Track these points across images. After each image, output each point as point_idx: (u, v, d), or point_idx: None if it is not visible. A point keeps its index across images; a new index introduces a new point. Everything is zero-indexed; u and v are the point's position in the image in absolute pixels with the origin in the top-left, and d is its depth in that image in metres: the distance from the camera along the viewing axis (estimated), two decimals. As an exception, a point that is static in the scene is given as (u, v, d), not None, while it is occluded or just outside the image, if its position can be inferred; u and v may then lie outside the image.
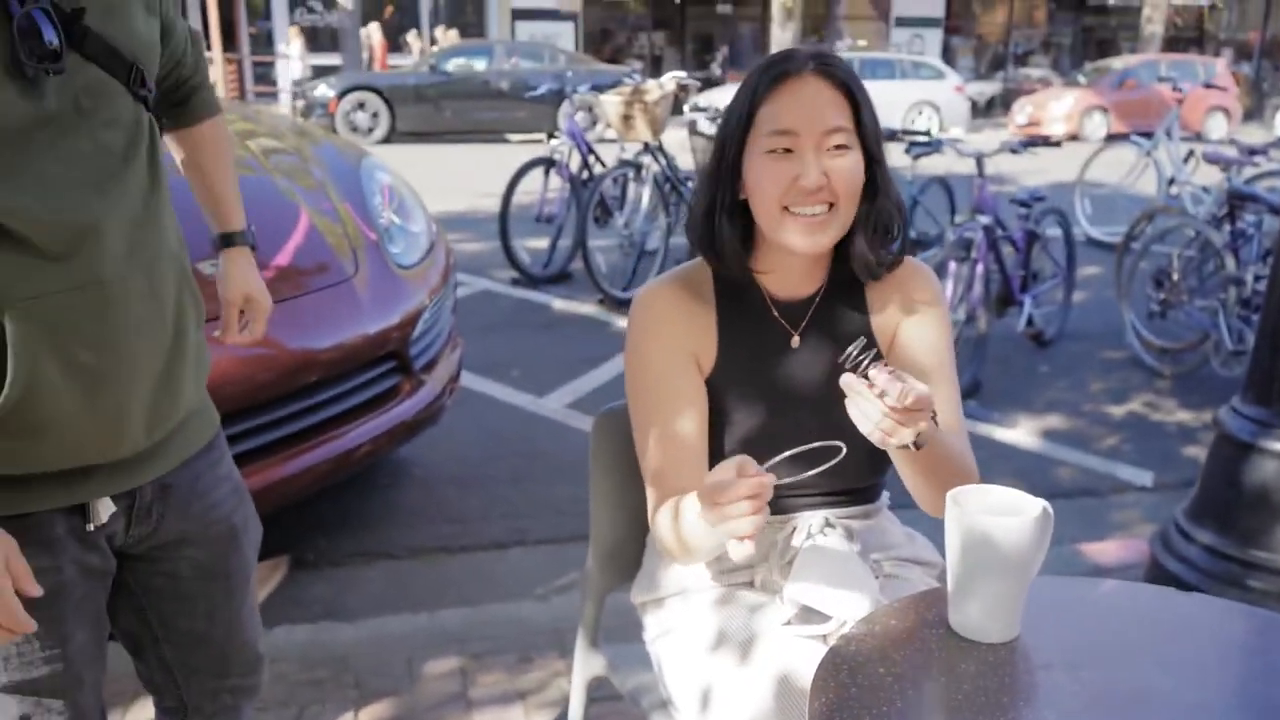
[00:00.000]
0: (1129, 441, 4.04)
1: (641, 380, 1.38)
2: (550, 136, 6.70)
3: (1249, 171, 5.67)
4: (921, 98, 17.23)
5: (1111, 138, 14.88)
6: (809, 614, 1.24)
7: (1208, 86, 10.34)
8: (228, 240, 1.48)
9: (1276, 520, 2.41)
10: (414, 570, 2.95)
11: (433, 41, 19.38)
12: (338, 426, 2.59)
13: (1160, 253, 5.04)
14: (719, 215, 1.32)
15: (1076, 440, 4.05)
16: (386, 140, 14.43)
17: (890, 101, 16.73)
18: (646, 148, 5.72)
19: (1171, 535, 2.62)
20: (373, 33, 18.27)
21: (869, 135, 1.30)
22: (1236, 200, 4.55)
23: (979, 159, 4.63)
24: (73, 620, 1.17)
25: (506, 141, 15.02)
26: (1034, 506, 1.03)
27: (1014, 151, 4.66)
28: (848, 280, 1.39)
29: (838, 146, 1.26)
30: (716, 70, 23.77)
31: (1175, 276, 4.83)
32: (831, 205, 1.27)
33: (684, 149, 6.59)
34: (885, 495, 1.51)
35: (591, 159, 6.40)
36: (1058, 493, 3.58)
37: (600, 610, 1.59)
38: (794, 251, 1.31)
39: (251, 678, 1.43)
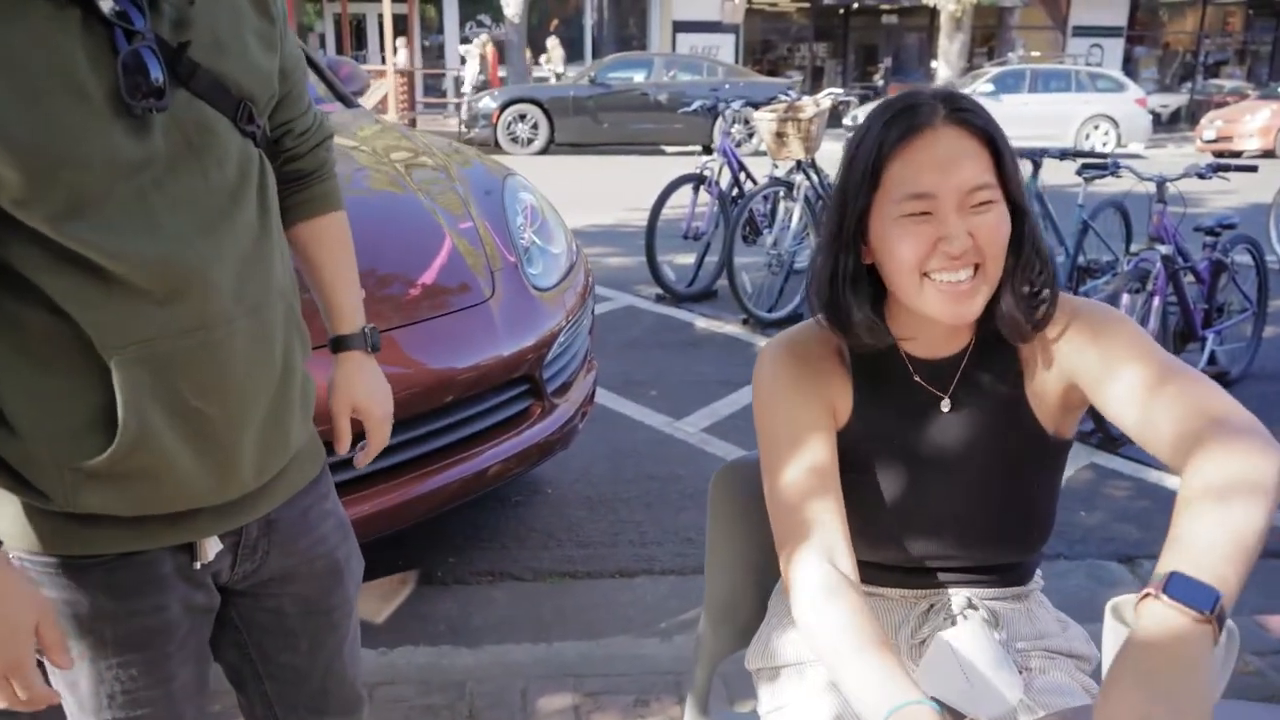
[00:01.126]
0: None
1: (772, 439, 1.24)
2: (706, 150, 6.64)
3: None
4: (1099, 111, 16.34)
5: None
6: (949, 713, 1.11)
7: None
8: (341, 344, 1.37)
9: None
10: (538, 593, 2.93)
11: (536, 56, 19.58)
12: (470, 447, 2.59)
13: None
14: (843, 286, 1.20)
15: (1262, 493, 3.67)
16: (545, 151, 14.74)
17: (1064, 115, 15.97)
18: (799, 165, 5.57)
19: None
20: (486, 44, 18.61)
21: (1012, 183, 1.16)
22: None
23: (1160, 182, 4.28)
24: (177, 659, 1.16)
25: (662, 153, 15.11)
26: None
27: (1201, 176, 4.28)
28: (994, 335, 1.24)
29: (982, 203, 1.13)
30: (880, 82, 23.27)
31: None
32: (978, 267, 1.14)
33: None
34: (1039, 576, 1.35)
35: (743, 176, 6.31)
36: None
37: (711, 675, 1.50)
38: (938, 321, 1.18)
39: (351, 716, 1.41)
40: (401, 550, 3.04)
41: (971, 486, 1.23)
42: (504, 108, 14.82)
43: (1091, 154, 5.09)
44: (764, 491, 1.25)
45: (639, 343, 5.38)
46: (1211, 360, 4.66)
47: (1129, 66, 22.51)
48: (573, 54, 21.64)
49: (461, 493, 2.60)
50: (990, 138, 1.15)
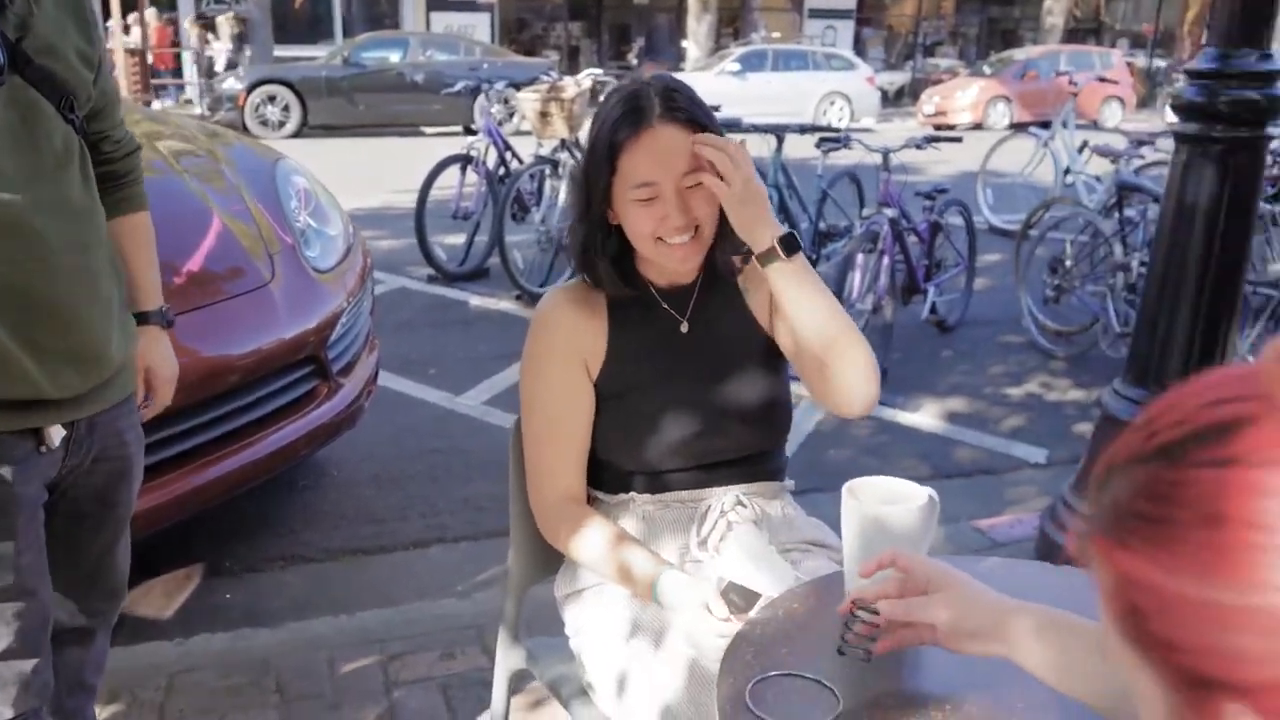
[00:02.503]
0: (1025, 421, 4.24)
1: (533, 384, 1.53)
2: (468, 130, 6.69)
3: (1136, 162, 5.94)
4: (834, 88, 17.54)
5: (1015, 126, 15.33)
6: (737, 590, 1.32)
7: (1101, 80, 10.75)
8: (142, 319, 1.60)
9: (1153, 495, 2.58)
10: (333, 572, 2.97)
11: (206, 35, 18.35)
12: (256, 431, 2.60)
13: (1056, 240, 5.28)
14: (594, 252, 1.47)
15: (976, 421, 4.23)
16: (298, 134, 14.16)
17: (804, 92, 17.02)
18: (563, 144, 5.76)
19: (1059, 510, 2.79)
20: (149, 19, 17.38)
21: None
22: (1124, 190, 4.79)
23: (885, 153, 4.79)
24: (22, 536, 1.34)
25: (422, 135, 14.88)
26: (921, 495, 1.13)
27: (919, 147, 4.83)
28: (719, 265, 1.54)
29: (696, 184, 1.39)
30: (633, 61, 23.85)
31: (1068, 263, 5.07)
32: (697, 228, 1.42)
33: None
34: (789, 481, 1.61)
35: (508, 155, 6.42)
36: (958, 472, 3.76)
37: (521, 605, 1.65)
38: (668, 267, 1.48)
39: (109, 603, 1.62)
40: (188, 542, 2.99)
41: (720, 389, 1.50)
42: (251, 89, 14.11)
43: (828, 129, 5.58)
44: (522, 431, 1.55)
45: (414, 323, 5.41)
46: (933, 310, 5.26)
47: (859, 47, 24.23)
48: (321, 32, 20.83)
49: (251, 477, 2.61)
50: (698, 123, 1.40)
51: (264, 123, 14.05)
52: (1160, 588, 0.47)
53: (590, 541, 1.45)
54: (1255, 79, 2.41)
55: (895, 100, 22.67)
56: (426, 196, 5.84)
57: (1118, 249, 4.71)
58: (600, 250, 1.47)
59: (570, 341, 1.51)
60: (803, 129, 5.57)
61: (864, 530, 1.12)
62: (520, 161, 6.31)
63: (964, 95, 18.18)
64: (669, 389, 1.50)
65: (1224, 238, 2.48)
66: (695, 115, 1.41)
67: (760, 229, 1.38)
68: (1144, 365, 2.64)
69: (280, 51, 17.69)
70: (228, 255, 2.63)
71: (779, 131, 5.51)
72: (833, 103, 17.42)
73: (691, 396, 1.50)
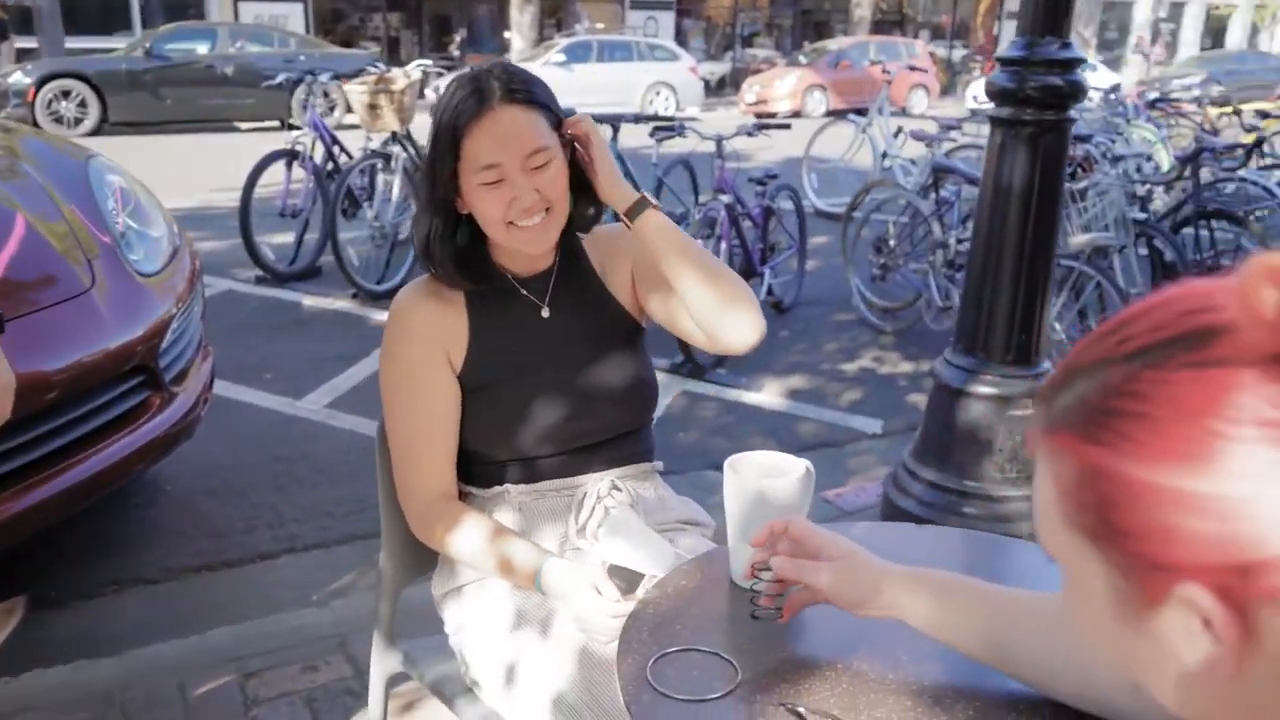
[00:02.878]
0: (861, 395, 4.45)
1: (395, 381, 1.49)
2: (285, 125, 6.41)
3: (947, 145, 6.31)
4: (658, 79, 17.81)
5: (831, 114, 15.95)
6: (620, 573, 1.33)
7: (911, 69, 11.34)
8: None
9: (985, 455, 2.76)
10: (176, 592, 2.81)
11: None
12: (84, 449, 2.43)
13: (879, 221, 5.54)
14: (434, 243, 1.45)
15: (815, 397, 4.41)
16: (97, 131, 13.22)
17: (629, 83, 17.20)
18: (395, 137, 5.61)
19: (900, 475, 2.94)
20: None
21: (561, 129, 1.45)
22: (939, 172, 5.08)
23: (718, 141, 4.90)
24: None
25: (236, 130, 14.18)
26: (798, 467, 1.17)
27: (750, 134, 4.96)
28: (574, 249, 1.56)
29: (542, 165, 1.40)
30: (455, 53, 23.45)
31: (892, 243, 5.34)
32: (548, 209, 1.42)
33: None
34: (658, 462, 1.63)
35: (336, 150, 6.21)
36: (801, 446, 3.90)
37: (395, 606, 1.61)
38: (524, 250, 1.47)
39: None
40: (9, 572, 2.77)
41: (586, 371, 1.51)
42: (41, 84, 13.06)
43: (662, 118, 5.67)
44: (386, 428, 1.51)
45: (246, 326, 5.17)
46: (770, 292, 5.43)
47: (680, 38, 24.65)
48: (116, 23, 19.50)
49: (81, 498, 2.44)
50: (542, 105, 1.41)
51: (58, 120, 13.04)
52: (1132, 479, 0.51)
53: (468, 538, 1.43)
54: (1058, 65, 2.60)
55: (717, 90, 23.22)
56: (251, 194, 5.58)
57: (936, 228, 4.99)
58: (447, 241, 1.46)
59: (430, 336, 1.48)
60: (638, 118, 5.64)
61: (747, 503, 1.15)
62: (349, 156, 6.11)
63: (783, 84, 18.80)
64: (535, 376, 1.49)
65: (1037, 213, 2.67)
66: (536, 96, 1.41)
67: (624, 187, 1.44)
68: (971, 335, 2.81)
69: (72, 43, 16.46)
70: (39, 260, 2.44)
71: (614, 121, 5.56)
72: (658, 93, 17.68)
73: (558, 381, 1.50)
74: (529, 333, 1.51)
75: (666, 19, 25.26)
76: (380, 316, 5.37)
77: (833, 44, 21.16)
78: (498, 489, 1.52)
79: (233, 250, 6.06)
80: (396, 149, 5.60)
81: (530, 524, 1.50)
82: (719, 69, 24.88)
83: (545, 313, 1.53)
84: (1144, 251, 5.01)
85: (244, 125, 14.39)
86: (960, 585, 0.99)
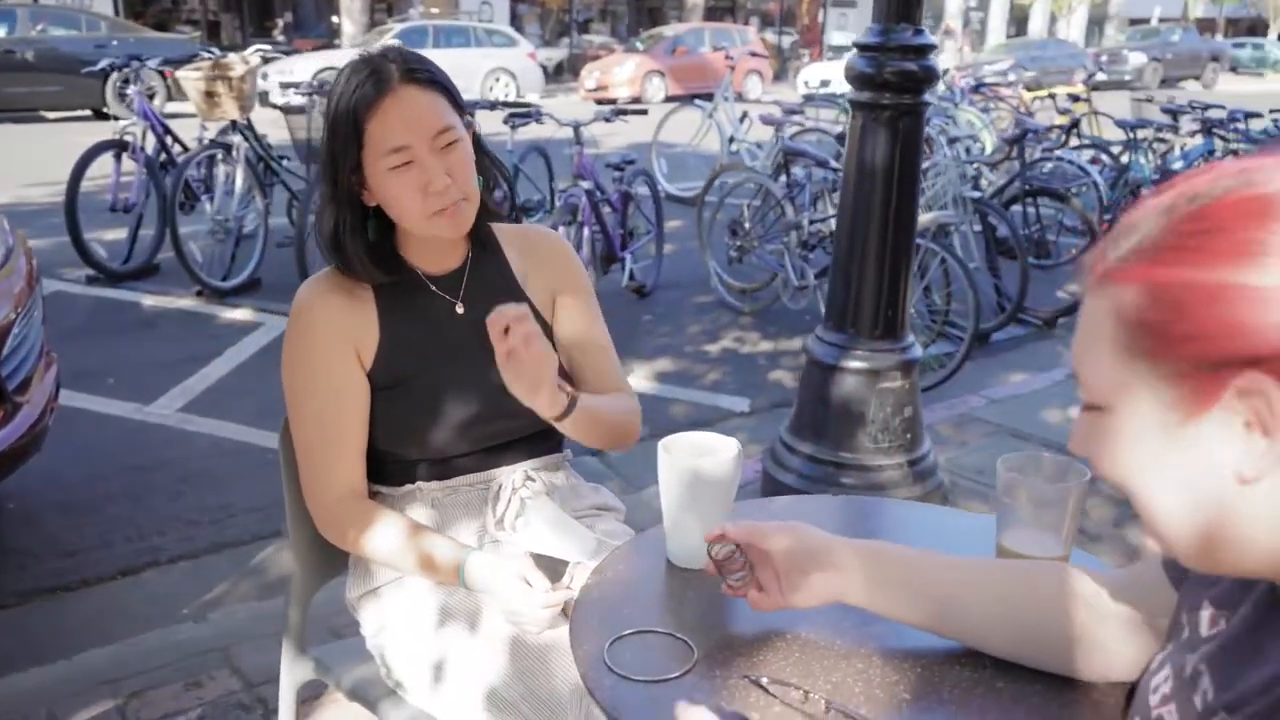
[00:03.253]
0: (725, 375, 4.56)
1: (301, 379, 1.44)
2: (99, 114, 6.01)
3: (792, 129, 6.51)
4: (497, 65, 17.59)
5: (671, 99, 16.14)
6: (544, 562, 1.33)
7: (753, 55, 11.59)
8: None
9: (859, 426, 2.88)
10: (31, 617, 2.62)
11: None
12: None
13: (733, 205, 5.67)
14: (344, 237, 1.40)
15: (682, 379, 4.48)
16: (-122, 122, 12.03)
17: (468, 69, 16.89)
18: (234, 126, 5.34)
19: (778, 450, 3.03)
20: None
21: (464, 117, 1.42)
22: (789, 155, 5.23)
23: (576, 127, 4.89)
24: None
25: (44, 120, 13.18)
26: (729, 445, 1.20)
27: (608, 120, 4.98)
28: (487, 244, 1.53)
29: (450, 144, 1.36)
30: (280, 37, 22.47)
31: (746, 225, 5.47)
32: (460, 194, 1.38)
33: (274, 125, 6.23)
34: (567, 451, 1.63)
35: (169, 140, 5.85)
36: (673, 427, 3.93)
37: (306, 612, 1.56)
38: (442, 235, 1.42)
39: None
40: None
41: (496, 375, 1.45)
42: None
43: (517, 104, 5.61)
44: (291, 427, 1.46)
45: (81, 330, 4.83)
46: (631, 277, 5.48)
47: (515, 23, 24.41)
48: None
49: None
50: (443, 86, 1.37)
51: None
52: (1199, 282, 0.59)
53: (384, 537, 1.40)
54: (912, 52, 2.72)
55: (556, 76, 23.13)
56: (77, 188, 5.19)
57: (789, 210, 5.14)
58: (358, 234, 1.41)
59: (338, 332, 1.43)
60: (493, 105, 5.57)
61: (683, 482, 1.17)
62: (184, 146, 5.78)
63: (621, 70, 18.90)
64: (450, 373, 1.45)
65: (898, 192, 2.80)
66: (436, 76, 1.38)
67: (558, 395, 1.27)
68: (841, 311, 2.93)
69: None
70: None
71: (468, 108, 5.45)
72: (498, 79, 17.47)
73: (473, 379, 1.46)
74: (443, 329, 1.47)
75: (501, 4, 24.96)
76: (230, 314, 5.12)
77: (669, 30, 21.41)
78: (409, 486, 1.48)
79: (58, 249, 5.63)
80: (237, 138, 5.33)
81: (445, 519, 1.48)
82: (556, 55, 24.79)
83: (460, 309, 1.49)
84: (978, 228, 5.31)
85: (52, 115, 13.38)
86: (897, 558, 1.03)
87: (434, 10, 22.12)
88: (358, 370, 1.43)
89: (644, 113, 5.02)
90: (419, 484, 1.48)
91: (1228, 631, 0.71)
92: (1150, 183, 6.74)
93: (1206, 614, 0.76)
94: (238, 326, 4.97)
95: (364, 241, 1.42)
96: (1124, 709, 0.92)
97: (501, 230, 1.56)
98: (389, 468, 1.48)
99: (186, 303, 5.28)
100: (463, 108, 1.42)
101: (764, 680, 0.97)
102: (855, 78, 2.79)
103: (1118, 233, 0.65)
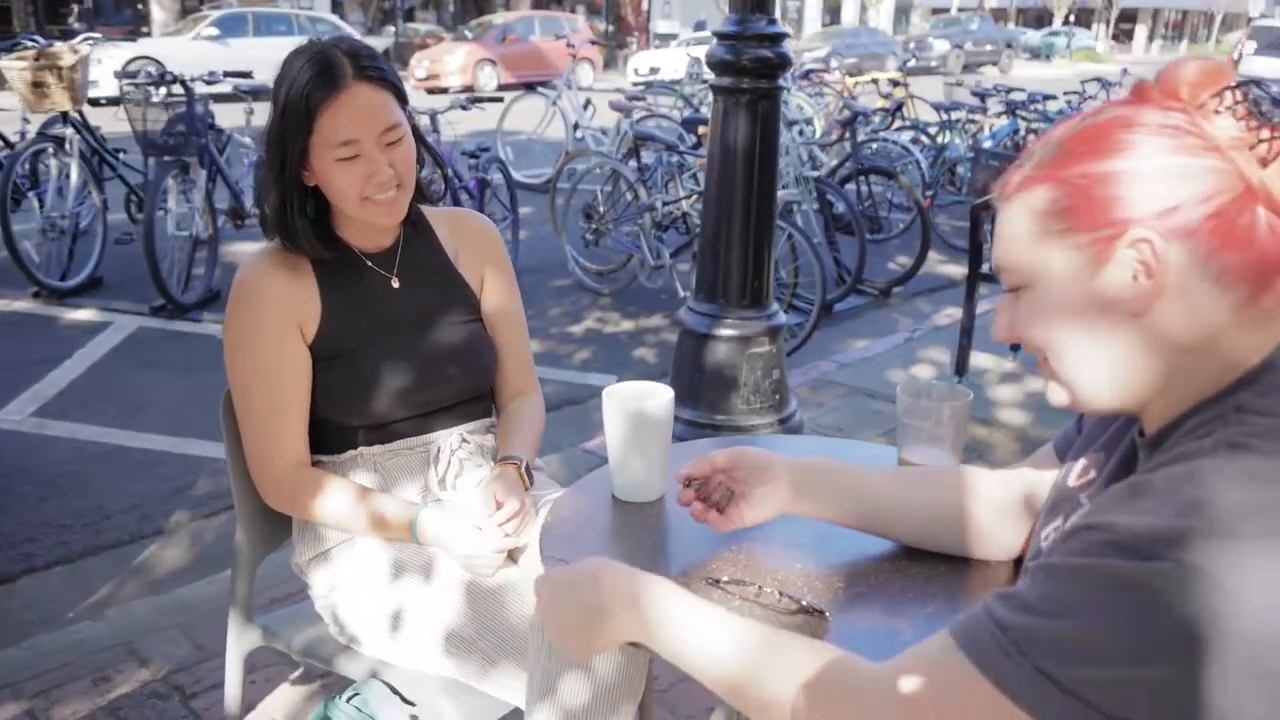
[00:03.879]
0: (591, 353, 4.71)
1: (247, 357, 1.50)
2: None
3: (638, 114, 6.70)
4: (323, 53, 17.02)
5: (504, 88, 16.13)
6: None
7: (592, 43, 11.73)
8: None
9: (732, 390, 3.09)
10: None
11: None
12: None
13: (586, 190, 5.81)
14: (292, 216, 1.48)
15: (551, 359, 4.61)
16: None
17: (292, 57, 16.33)
18: (65, 117, 5.07)
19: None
20: None
21: (405, 106, 1.52)
22: (640, 140, 5.41)
23: (433, 115, 4.92)
24: None
25: None
26: (663, 391, 1.35)
27: (464, 108, 5.03)
28: (418, 224, 1.63)
29: (395, 140, 1.46)
30: (75, 25, 21.01)
31: (601, 209, 5.63)
32: (399, 185, 1.48)
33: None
34: (495, 411, 1.74)
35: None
36: (549, 407, 4.07)
37: (251, 581, 1.61)
38: (377, 223, 1.53)
39: None
40: None
41: (434, 340, 1.59)
42: None
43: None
44: (235, 405, 1.53)
45: (-97, 339, 4.53)
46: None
47: (337, 10, 23.70)
48: None
49: None
50: (392, 84, 1.46)
51: None
52: (1089, 174, 0.80)
53: (334, 501, 1.48)
54: (767, 39, 2.94)
55: (383, 64, 22.57)
56: (-117, 188, 4.83)
57: (642, 192, 5.33)
58: (302, 213, 1.49)
59: (282, 308, 1.49)
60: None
61: (628, 423, 1.31)
62: (5, 140, 5.44)
63: (452, 59, 18.70)
64: (387, 343, 1.54)
65: (760, 170, 3.01)
66: (387, 75, 1.46)
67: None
68: (711, 284, 3.13)
69: None
70: None
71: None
72: (324, 68, 16.93)
73: (409, 349, 1.56)
74: (380, 303, 1.56)
75: (321, -9, 24.15)
76: (74, 315, 4.90)
77: (498, 18, 21.32)
78: (351, 452, 1.56)
79: None
80: (69, 131, 5.07)
81: (388, 481, 1.56)
82: (381, 43, 24.17)
83: (395, 283, 1.58)
84: (817, 206, 5.65)
85: None
86: (831, 469, 1.20)
87: (251, -4, 21.18)
88: (300, 344, 1.51)
89: (499, 100, 5.10)
90: (360, 449, 1.56)
91: (1100, 478, 0.92)
92: (965, 160, 7.31)
93: (1078, 467, 0.98)
94: (84, 327, 4.76)
95: (309, 219, 1.49)
96: (1013, 576, 1.13)
97: (430, 213, 1.66)
98: (331, 435, 1.56)
99: (23, 305, 5.00)
100: (406, 101, 1.51)
101: (723, 580, 1.13)
102: (716, 64, 2.99)
103: (1023, 158, 0.85)
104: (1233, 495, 0.69)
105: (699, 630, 0.93)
